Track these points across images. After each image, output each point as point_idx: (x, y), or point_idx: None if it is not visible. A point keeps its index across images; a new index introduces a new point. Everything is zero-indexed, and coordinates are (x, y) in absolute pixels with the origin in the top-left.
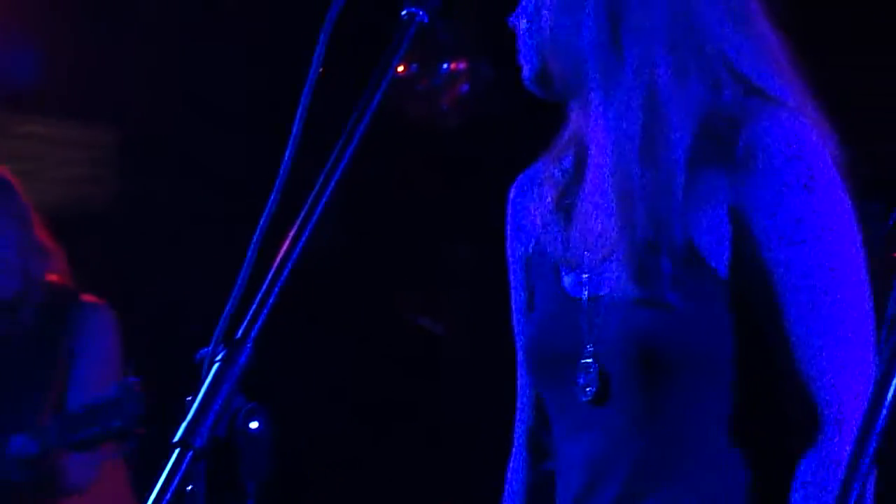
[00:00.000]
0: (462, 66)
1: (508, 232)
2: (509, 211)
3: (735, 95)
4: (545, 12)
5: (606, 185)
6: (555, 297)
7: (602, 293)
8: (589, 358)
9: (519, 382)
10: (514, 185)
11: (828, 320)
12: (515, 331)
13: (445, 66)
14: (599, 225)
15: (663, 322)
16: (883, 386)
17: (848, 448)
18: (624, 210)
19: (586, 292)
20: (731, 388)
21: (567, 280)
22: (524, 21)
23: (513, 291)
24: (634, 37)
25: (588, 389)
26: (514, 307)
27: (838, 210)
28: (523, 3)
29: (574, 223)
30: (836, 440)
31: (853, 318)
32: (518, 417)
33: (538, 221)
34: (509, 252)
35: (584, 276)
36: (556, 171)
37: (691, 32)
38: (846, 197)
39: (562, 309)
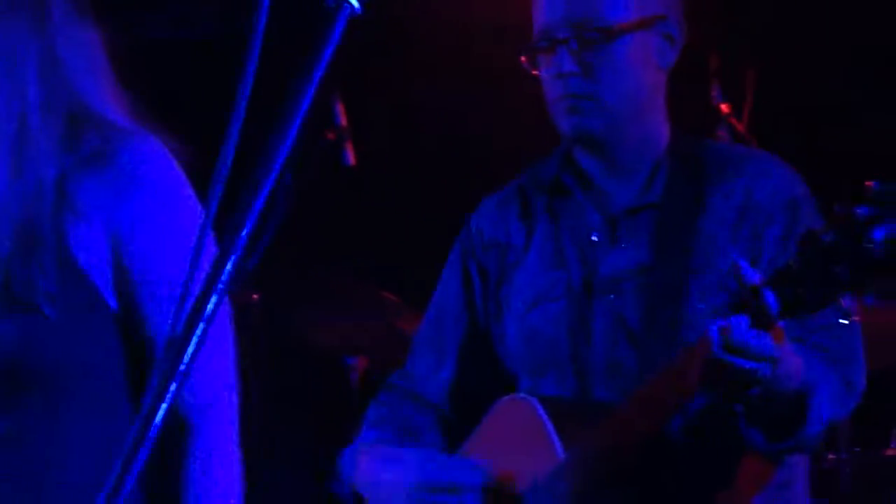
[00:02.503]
0: None
1: None
2: None
3: (97, 128)
4: None
5: None
6: None
7: None
8: None
9: None
10: None
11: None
12: None
13: None
14: None
15: (34, 332)
16: (149, 416)
17: (220, 432)
18: None
19: None
20: (125, 406)
21: None
22: None
23: None
24: (7, 67)
25: None
26: None
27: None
28: None
29: None
30: (205, 427)
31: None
32: None
33: None
34: None
35: None
36: None
37: (55, 70)
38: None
39: None
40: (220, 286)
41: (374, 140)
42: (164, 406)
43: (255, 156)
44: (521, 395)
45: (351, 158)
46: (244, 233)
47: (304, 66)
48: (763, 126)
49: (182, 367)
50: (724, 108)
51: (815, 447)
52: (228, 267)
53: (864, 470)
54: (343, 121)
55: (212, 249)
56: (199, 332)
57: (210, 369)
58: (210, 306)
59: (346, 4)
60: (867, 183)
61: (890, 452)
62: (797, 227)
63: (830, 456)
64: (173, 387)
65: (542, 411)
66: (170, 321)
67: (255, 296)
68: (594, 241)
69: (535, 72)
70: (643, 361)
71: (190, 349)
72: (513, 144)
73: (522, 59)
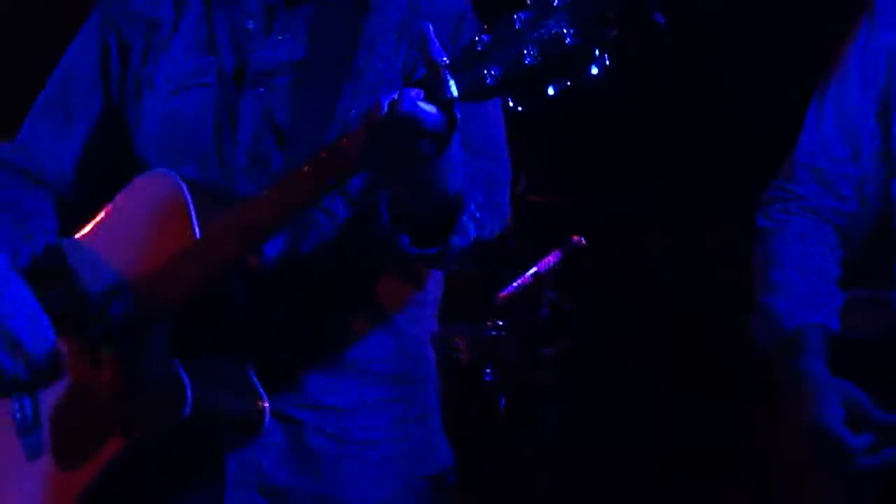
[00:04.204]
0: None
1: None
2: None
3: None
4: None
5: None
6: None
7: None
8: None
9: None
10: None
11: None
12: None
13: None
14: None
15: None
16: None
17: None
18: None
19: None
20: None
21: None
22: None
23: None
24: None
25: None
26: None
27: None
28: None
29: None
30: None
31: None
32: None
33: None
34: None
35: None
36: None
37: None
38: None
39: None
40: None
41: None
42: None
43: None
44: (164, 170)
45: None
46: None
47: None
48: None
49: None
50: None
51: (453, 265)
52: None
53: None
54: None
55: None
56: None
57: None
58: None
59: None
60: None
61: None
62: (459, 40)
63: None
64: None
65: (183, 187)
66: None
67: None
68: (249, 28)
69: None
70: (290, 161)
71: None
72: None
73: None
